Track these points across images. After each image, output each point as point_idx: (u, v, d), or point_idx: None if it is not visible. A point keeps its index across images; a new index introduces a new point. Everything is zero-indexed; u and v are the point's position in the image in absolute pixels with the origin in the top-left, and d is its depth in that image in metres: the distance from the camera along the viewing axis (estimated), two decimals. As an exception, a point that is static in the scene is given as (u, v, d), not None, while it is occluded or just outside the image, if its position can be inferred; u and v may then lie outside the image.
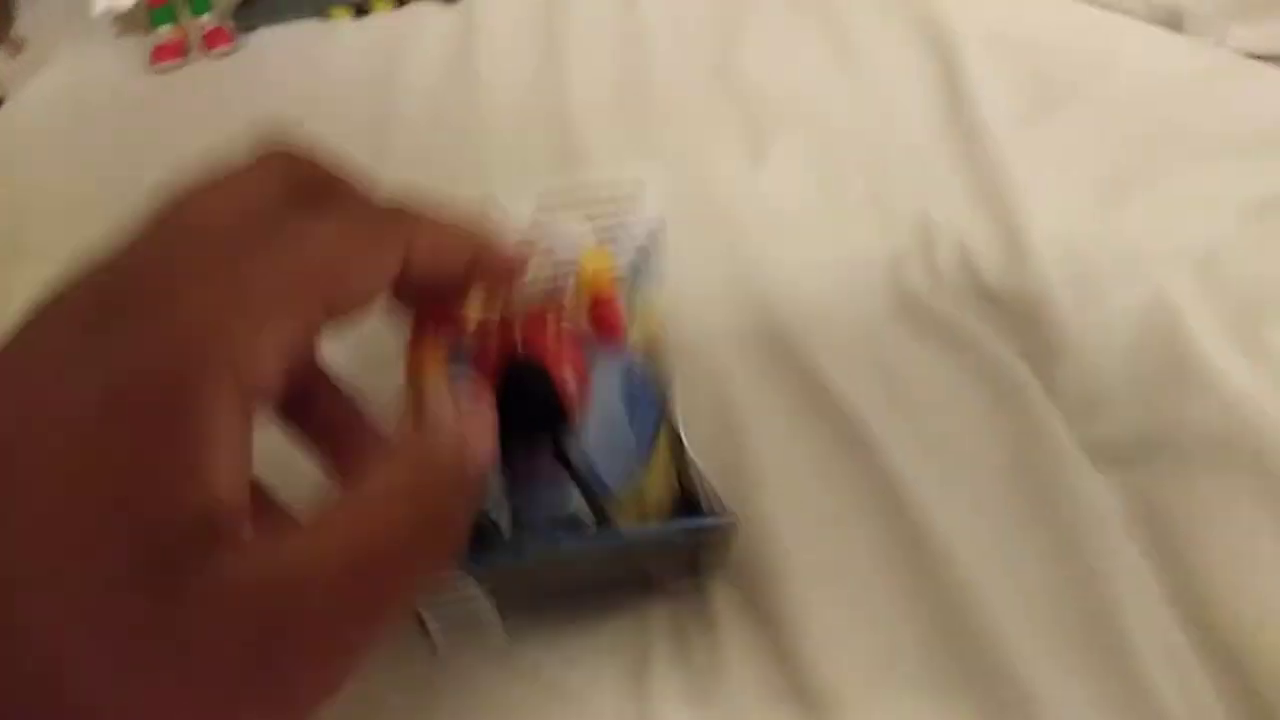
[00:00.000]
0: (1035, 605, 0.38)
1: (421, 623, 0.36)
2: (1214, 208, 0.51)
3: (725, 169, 0.59)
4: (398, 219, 0.25)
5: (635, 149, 0.61)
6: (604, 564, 0.37)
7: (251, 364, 0.21)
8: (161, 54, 0.75)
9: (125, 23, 0.79)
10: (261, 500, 0.25)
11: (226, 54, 0.76)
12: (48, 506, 0.18)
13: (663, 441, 0.37)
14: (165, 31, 0.76)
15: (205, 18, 0.77)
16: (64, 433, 0.19)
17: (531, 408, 0.30)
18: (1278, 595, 0.38)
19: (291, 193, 0.25)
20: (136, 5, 0.75)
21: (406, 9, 0.75)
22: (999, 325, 0.48)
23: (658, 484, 0.37)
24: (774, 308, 0.50)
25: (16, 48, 0.80)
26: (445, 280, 0.26)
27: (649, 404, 0.38)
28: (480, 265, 0.27)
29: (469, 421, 0.23)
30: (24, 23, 0.84)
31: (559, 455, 0.31)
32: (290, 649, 0.19)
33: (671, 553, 0.37)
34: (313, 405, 0.27)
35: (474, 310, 0.30)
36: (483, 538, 0.33)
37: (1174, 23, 0.63)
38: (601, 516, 0.32)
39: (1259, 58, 0.60)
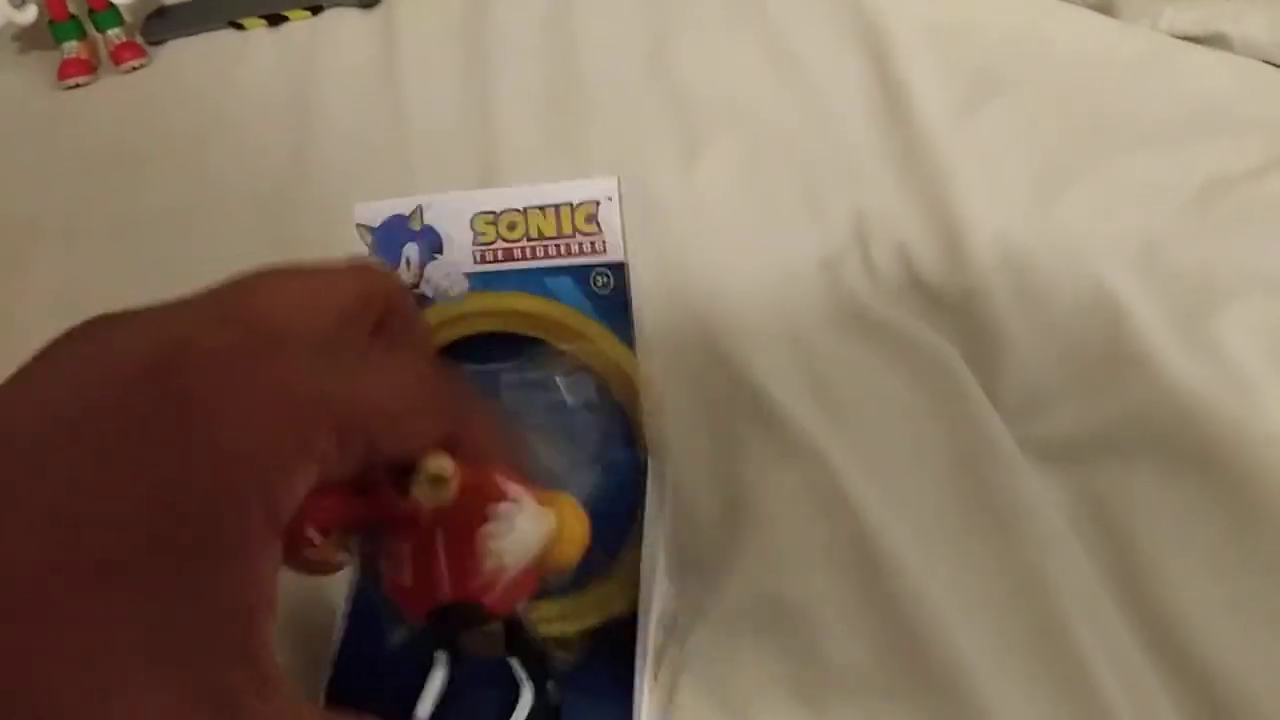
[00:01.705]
0: (982, 613, 0.37)
1: None
2: (1153, 195, 0.50)
3: (658, 172, 0.57)
4: (462, 395, 0.25)
5: (566, 155, 0.59)
6: None
7: (289, 500, 0.20)
8: (69, 69, 0.72)
9: (30, 39, 0.76)
10: None
11: (137, 68, 0.73)
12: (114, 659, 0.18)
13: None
14: (72, 47, 0.73)
15: (113, 31, 0.74)
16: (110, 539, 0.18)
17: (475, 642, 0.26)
18: (1227, 591, 0.37)
19: (365, 312, 0.25)
20: (39, 21, 0.72)
21: (322, 17, 0.72)
22: (937, 323, 0.46)
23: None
24: (708, 311, 0.48)
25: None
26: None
27: (615, 470, 0.34)
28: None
29: None
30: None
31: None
32: None
33: None
34: None
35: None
36: None
37: (1106, 6, 0.62)
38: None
39: (1192, 39, 0.59)
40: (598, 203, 0.37)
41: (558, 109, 0.62)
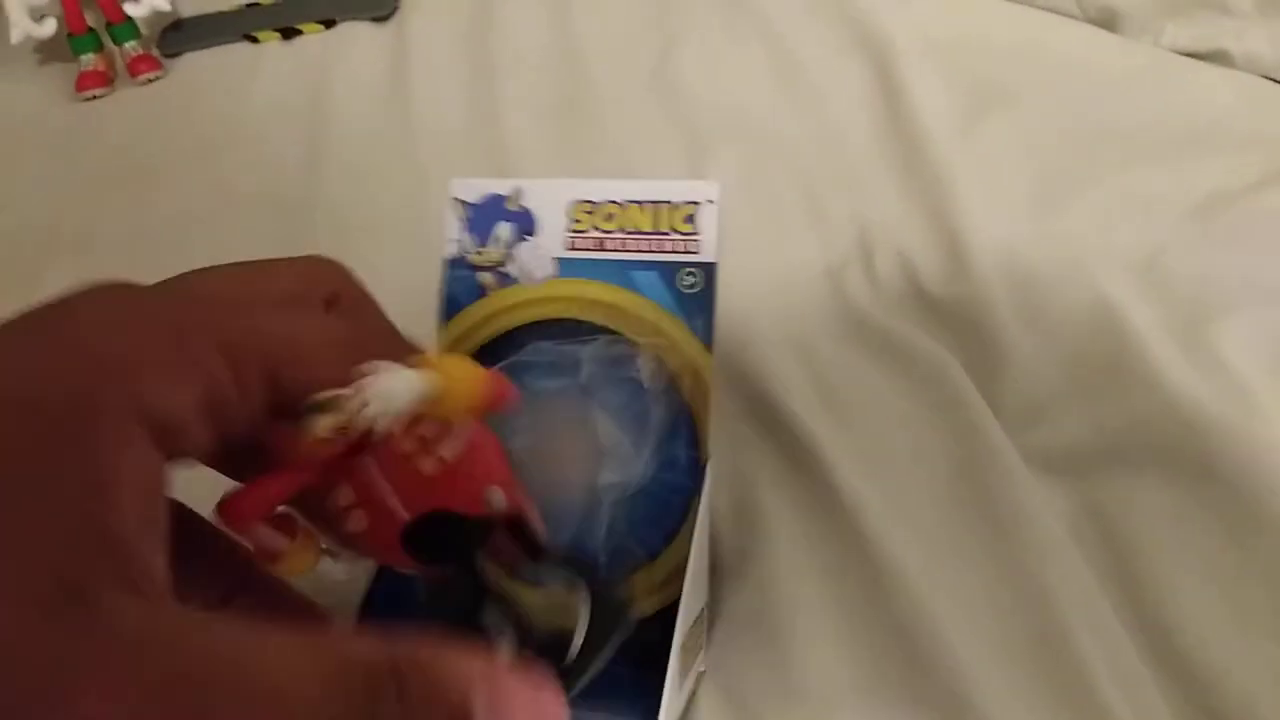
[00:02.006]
0: (983, 621, 0.37)
1: None
2: (1153, 208, 0.51)
3: (664, 180, 0.57)
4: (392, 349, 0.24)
5: (573, 162, 0.60)
6: None
7: (161, 402, 0.20)
8: (86, 82, 0.73)
9: (48, 52, 0.77)
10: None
11: (153, 80, 0.74)
12: None
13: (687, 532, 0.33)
14: (89, 59, 0.74)
15: (130, 44, 0.75)
16: None
17: (453, 552, 0.24)
18: (1229, 604, 0.37)
19: (309, 292, 0.25)
20: (58, 34, 0.73)
21: (335, 30, 0.73)
22: (940, 333, 0.47)
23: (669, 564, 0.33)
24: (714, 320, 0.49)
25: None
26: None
27: (672, 466, 0.35)
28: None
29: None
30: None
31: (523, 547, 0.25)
32: None
33: None
34: None
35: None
36: None
37: (1108, 22, 0.63)
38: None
39: (1194, 55, 0.60)
40: (698, 204, 0.39)
41: (564, 117, 0.63)
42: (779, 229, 0.54)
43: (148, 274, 0.22)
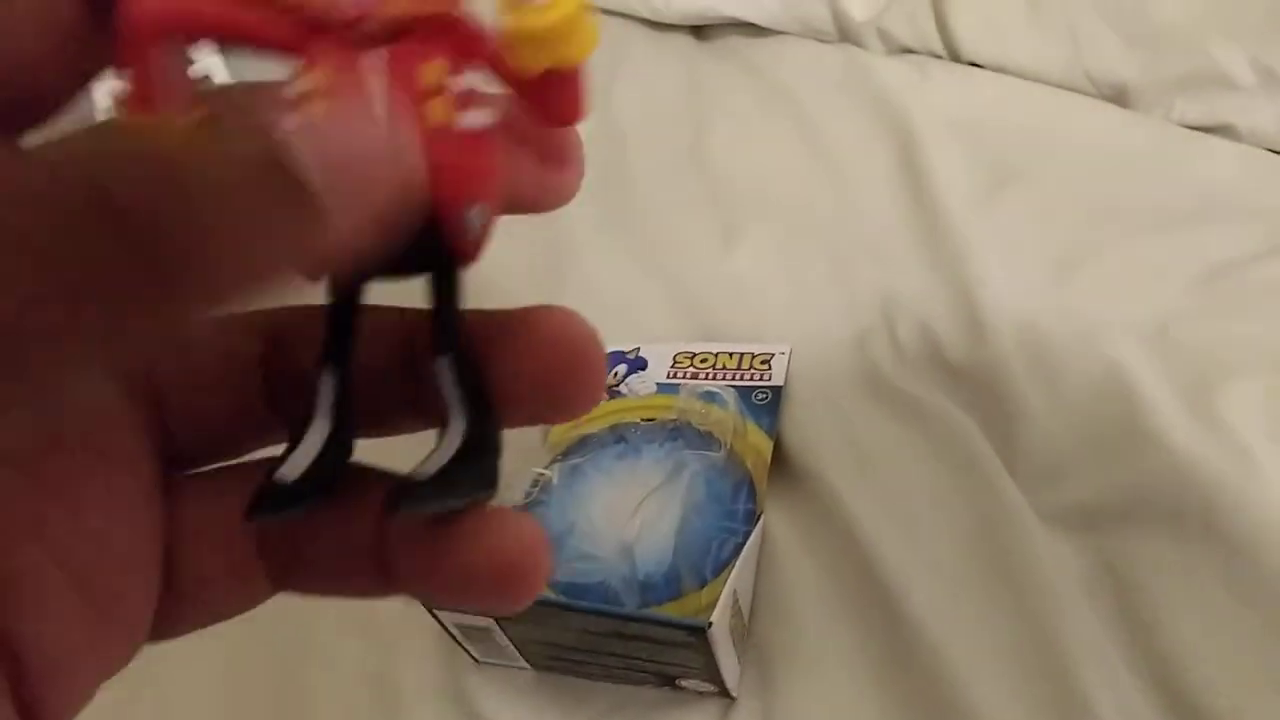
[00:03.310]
0: (1000, 669, 0.40)
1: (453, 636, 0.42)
2: (1163, 278, 0.54)
3: (698, 255, 0.61)
4: None
5: (614, 238, 0.64)
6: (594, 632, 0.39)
7: None
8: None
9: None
10: None
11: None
12: None
13: (732, 571, 0.41)
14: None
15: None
16: None
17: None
18: (1233, 654, 0.39)
19: None
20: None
21: None
22: (959, 398, 0.50)
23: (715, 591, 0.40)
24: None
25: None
26: None
27: (731, 516, 0.44)
28: None
29: None
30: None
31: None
32: None
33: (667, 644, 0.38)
34: None
35: None
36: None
37: (1120, 98, 0.66)
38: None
39: (1201, 129, 0.63)
40: (773, 354, 0.52)
41: (604, 193, 0.67)
42: (808, 299, 0.57)
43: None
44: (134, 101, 0.15)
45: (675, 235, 0.63)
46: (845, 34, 0.74)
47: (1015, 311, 0.53)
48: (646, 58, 0.78)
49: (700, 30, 0.80)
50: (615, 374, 0.53)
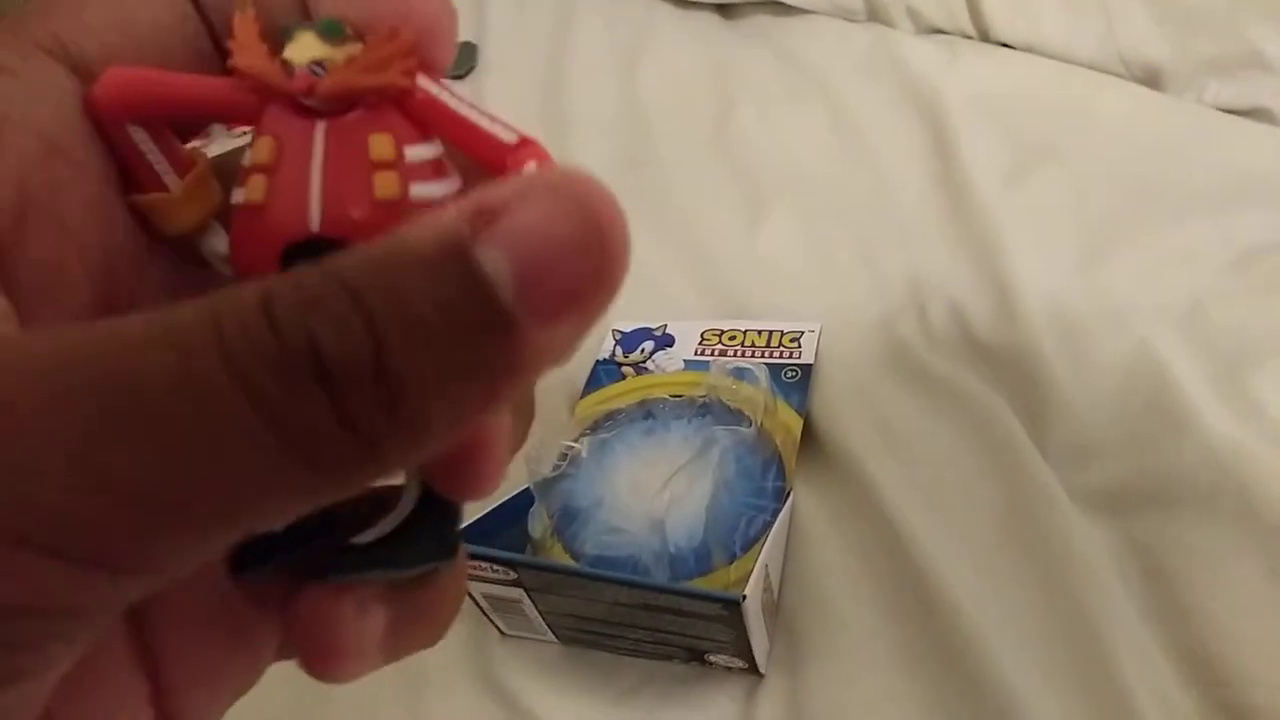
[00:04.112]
0: (1032, 648, 0.40)
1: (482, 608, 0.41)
2: (1195, 261, 0.53)
3: (724, 234, 0.61)
4: None
5: (640, 218, 0.63)
6: (627, 605, 0.39)
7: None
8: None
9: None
10: None
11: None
12: None
13: (764, 545, 0.40)
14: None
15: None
16: None
17: None
18: (1269, 640, 0.39)
19: None
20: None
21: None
22: (990, 378, 0.50)
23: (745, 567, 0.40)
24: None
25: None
26: None
27: (761, 493, 0.43)
28: None
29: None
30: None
31: None
32: None
33: (701, 618, 0.38)
34: None
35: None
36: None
37: (1153, 80, 0.65)
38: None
39: (1235, 112, 0.62)
40: (802, 333, 0.51)
41: (632, 176, 0.67)
42: (837, 278, 0.57)
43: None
44: (131, 183, 0.15)
45: (702, 213, 0.63)
46: (874, 13, 0.74)
47: (1046, 292, 0.53)
48: (672, 36, 0.78)
49: (726, 9, 0.79)
50: (642, 350, 0.52)
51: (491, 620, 0.42)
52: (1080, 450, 0.46)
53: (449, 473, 0.15)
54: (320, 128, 0.15)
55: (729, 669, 0.41)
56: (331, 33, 0.15)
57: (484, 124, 0.16)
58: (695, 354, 0.52)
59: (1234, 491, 0.43)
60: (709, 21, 0.79)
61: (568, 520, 0.43)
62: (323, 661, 0.15)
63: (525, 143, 0.16)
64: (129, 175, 0.15)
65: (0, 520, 0.10)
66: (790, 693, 0.41)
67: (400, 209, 0.15)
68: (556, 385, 0.52)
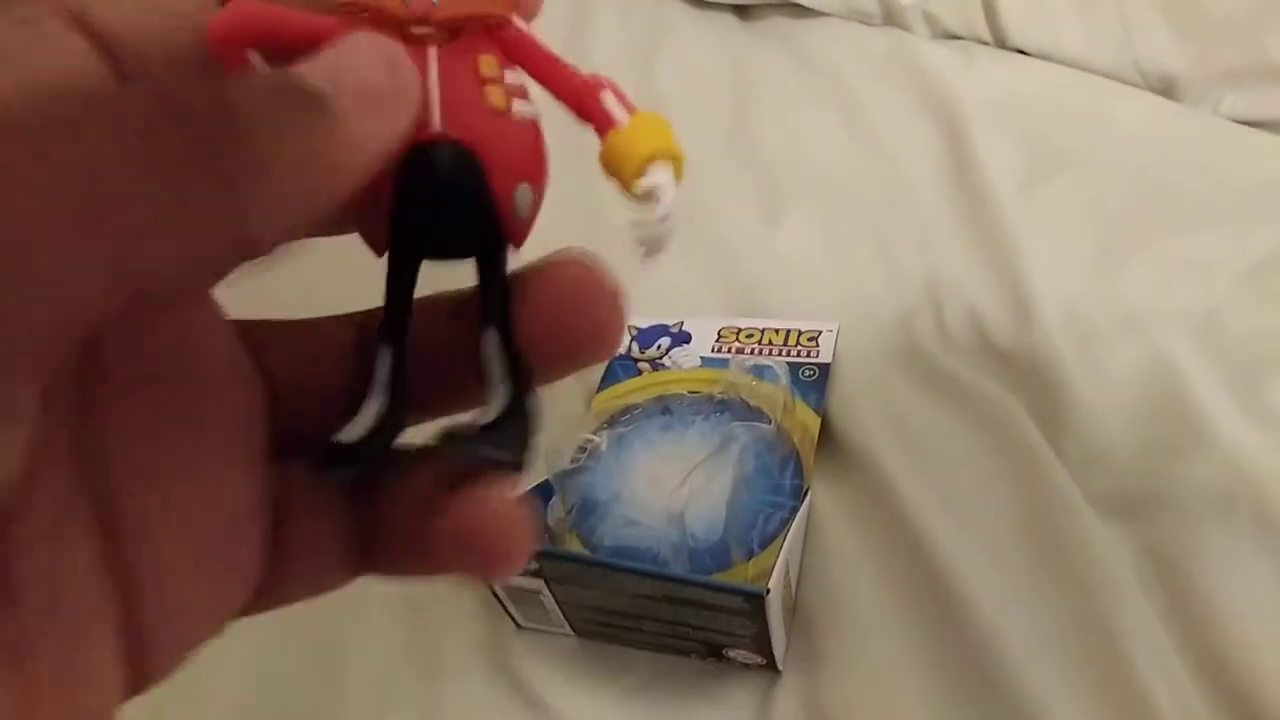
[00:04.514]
0: (1051, 651, 0.40)
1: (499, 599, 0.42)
2: (1211, 270, 0.53)
3: (742, 232, 0.61)
4: None
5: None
6: (648, 597, 0.39)
7: None
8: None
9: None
10: None
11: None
12: None
13: (785, 541, 0.40)
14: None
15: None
16: None
17: (449, 221, 0.17)
18: (1281, 639, 0.39)
19: None
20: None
21: None
22: (1006, 382, 0.50)
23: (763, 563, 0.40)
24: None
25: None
26: None
27: (779, 490, 0.44)
28: None
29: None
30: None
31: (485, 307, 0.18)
32: None
33: (720, 611, 0.38)
34: None
35: None
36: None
37: (1169, 90, 0.66)
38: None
39: (1250, 124, 0.63)
40: (820, 332, 0.51)
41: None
42: (853, 278, 0.57)
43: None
44: None
45: (719, 212, 0.63)
46: (890, 17, 0.74)
47: (1062, 298, 0.53)
48: (689, 36, 0.78)
49: (743, 10, 0.80)
50: (659, 346, 0.52)
51: (508, 612, 0.42)
52: (1095, 455, 0.47)
53: (472, 557, 0.17)
54: (431, 51, 0.17)
55: (746, 665, 0.41)
56: None
57: (564, 61, 0.18)
58: (712, 351, 0.52)
59: (1249, 498, 0.43)
60: (726, 22, 0.79)
61: (586, 513, 0.43)
62: (508, 553, 0.17)
63: (598, 79, 0.18)
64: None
65: None
66: (807, 690, 0.41)
67: (504, 118, 0.17)
68: (573, 380, 0.52)
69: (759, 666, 0.40)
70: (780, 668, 0.41)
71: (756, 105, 0.70)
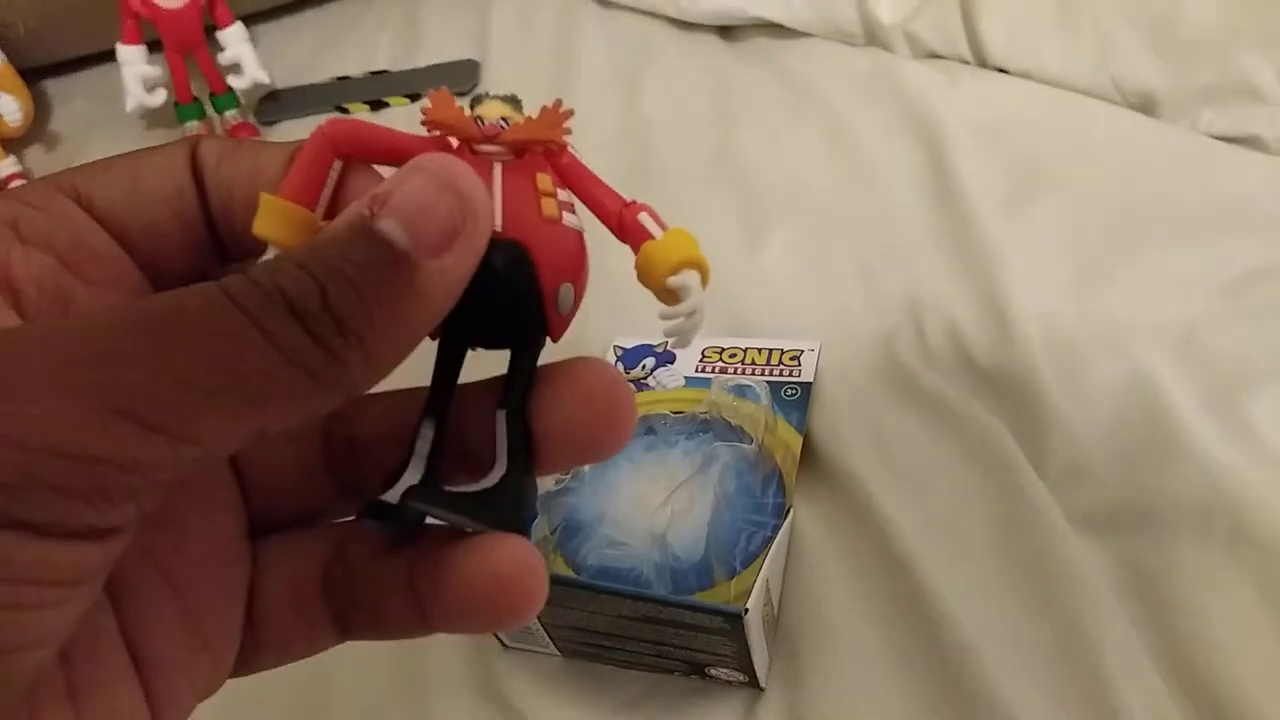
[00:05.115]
0: (1029, 667, 0.40)
1: None
2: (1190, 286, 0.54)
3: (725, 253, 0.62)
4: None
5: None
6: (630, 619, 0.39)
7: None
8: (188, 147, 0.79)
9: (153, 118, 0.83)
10: None
11: (250, 146, 0.80)
12: None
13: (766, 559, 0.41)
14: (193, 126, 0.80)
15: (230, 113, 0.81)
16: None
17: (502, 311, 0.20)
18: (1261, 662, 0.40)
19: None
20: (165, 103, 0.80)
21: (420, 103, 0.79)
22: (987, 399, 0.50)
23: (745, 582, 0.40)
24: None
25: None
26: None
27: (761, 509, 0.44)
28: None
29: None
30: (58, 118, 0.89)
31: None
32: None
33: (703, 632, 0.38)
34: None
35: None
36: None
37: (1147, 107, 0.66)
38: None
39: (1229, 140, 0.63)
40: (802, 351, 0.52)
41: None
42: (835, 297, 0.58)
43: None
44: (286, 189, 0.19)
45: (702, 232, 0.62)
46: (873, 37, 0.75)
47: (1042, 314, 0.53)
48: (674, 57, 0.79)
49: (727, 31, 0.80)
50: (643, 366, 0.53)
51: (494, 632, 0.43)
52: (1075, 471, 0.47)
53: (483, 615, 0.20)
54: (497, 167, 0.20)
55: (729, 682, 0.41)
56: (514, 101, 0.21)
57: (606, 184, 0.21)
58: (696, 371, 0.52)
59: (1228, 514, 0.43)
60: (710, 43, 0.80)
61: (569, 534, 0.43)
62: (528, 600, 0.19)
63: (637, 203, 0.21)
64: (293, 185, 0.19)
65: (100, 394, 0.14)
66: (790, 706, 0.41)
67: (556, 225, 0.20)
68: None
69: (741, 684, 0.41)
70: (763, 685, 0.41)
71: (740, 125, 0.70)
